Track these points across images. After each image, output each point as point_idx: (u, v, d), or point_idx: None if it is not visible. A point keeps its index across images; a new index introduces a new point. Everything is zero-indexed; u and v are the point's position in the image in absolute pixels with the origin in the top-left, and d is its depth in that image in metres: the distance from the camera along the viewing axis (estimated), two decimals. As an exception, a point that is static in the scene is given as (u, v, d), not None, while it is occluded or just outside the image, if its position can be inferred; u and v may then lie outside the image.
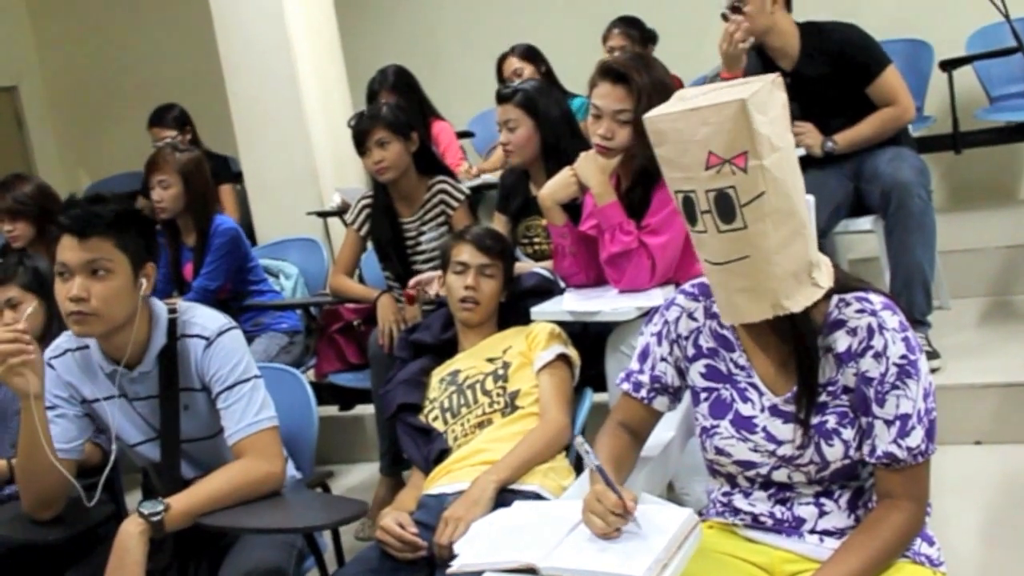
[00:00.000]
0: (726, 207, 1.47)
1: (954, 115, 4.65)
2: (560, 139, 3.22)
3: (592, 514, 1.63)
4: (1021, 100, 4.95)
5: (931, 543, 1.67)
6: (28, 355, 2.02)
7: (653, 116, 1.51)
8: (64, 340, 2.29)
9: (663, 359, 1.83)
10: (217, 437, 2.26)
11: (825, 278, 1.58)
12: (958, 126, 4.67)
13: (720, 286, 1.57)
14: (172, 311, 2.26)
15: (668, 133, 1.49)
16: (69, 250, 2.08)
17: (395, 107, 3.58)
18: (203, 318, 2.26)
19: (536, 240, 3.37)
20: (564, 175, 2.81)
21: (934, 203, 3.50)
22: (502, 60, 4.90)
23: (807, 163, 3.51)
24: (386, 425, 3.18)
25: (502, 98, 3.27)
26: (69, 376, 2.26)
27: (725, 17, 3.52)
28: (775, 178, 1.46)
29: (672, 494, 2.54)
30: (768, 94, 1.47)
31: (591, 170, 2.73)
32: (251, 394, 2.21)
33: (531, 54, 4.86)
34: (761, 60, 3.64)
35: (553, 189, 2.82)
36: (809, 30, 3.57)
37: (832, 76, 3.49)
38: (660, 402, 1.86)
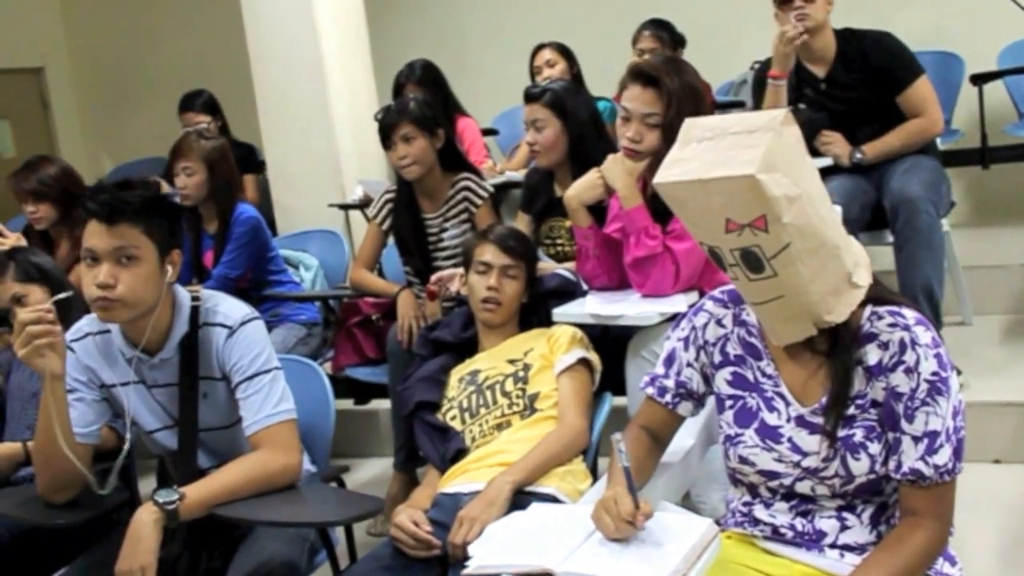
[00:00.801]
0: (753, 262, 1.48)
1: (983, 130, 4.61)
2: (587, 140, 3.20)
3: (605, 514, 1.63)
4: (1051, 117, 4.91)
5: (953, 563, 1.66)
6: (54, 336, 2.02)
7: (666, 183, 1.50)
8: (86, 323, 2.28)
9: (689, 365, 1.82)
10: (235, 427, 2.25)
11: (864, 274, 1.58)
12: (986, 141, 4.63)
13: (761, 316, 1.60)
14: (195, 299, 2.26)
15: (683, 199, 1.49)
16: (96, 236, 2.07)
17: (422, 102, 3.55)
18: (227, 307, 2.26)
19: (559, 241, 3.35)
20: (591, 177, 2.80)
21: (958, 218, 3.49)
22: (536, 52, 4.88)
23: (835, 170, 3.51)
24: (402, 421, 3.17)
25: (530, 97, 3.25)
26: (89, 360, 2.25)
27: None
28: (798, 227, 1.46)
29: (687, 502, 2.52)
30: (777, 143, 1.44)
31: (618, 172, 2.71)
32: (271, 385, 2.20)
33: (565, 51, 4.84)
34: (795, 68, 3.65)
35: (579, 190, 2.80)
36: (845, 36, 3.59)
37: (865, 82, 3.51)
38: (684, 407, 1.85)
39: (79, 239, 2.14)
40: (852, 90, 3.52)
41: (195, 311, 2.24)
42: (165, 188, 3.76)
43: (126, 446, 2.22)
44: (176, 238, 2.18)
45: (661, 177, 1.50)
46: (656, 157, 2.67)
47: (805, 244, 1.46)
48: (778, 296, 1.51)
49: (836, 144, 3.52)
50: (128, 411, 2.23)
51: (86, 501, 2.22)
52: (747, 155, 1.42)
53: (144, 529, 1.99)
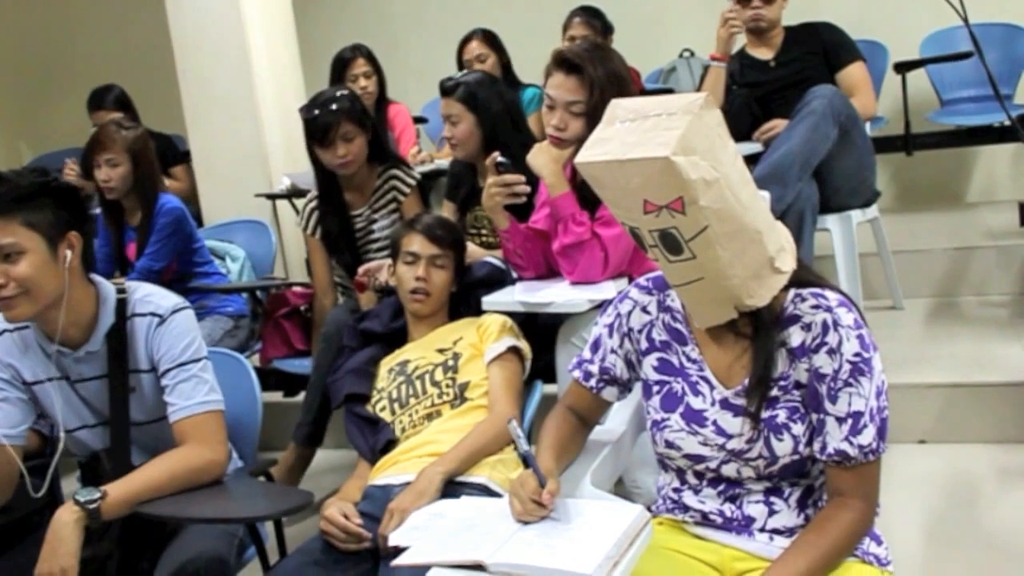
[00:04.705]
0: (672, 243, 1.48)
1: (906, 117, 4.71)
2: (501, 133, 3.17)
3: (515, 497, 1.65)
4: (972, 104, 5.03)
5: (879, 542, 1.67)
6: None
7: (585, 162, 1.50)
8: (1, 320, 2.21)
9: (613, 351, 1.83)
10: (163, 422, 2.20)
11: (789, 259, 1.58)
12: (910, 128, 4.73)
13: (683, 298, 1.60)
14: (121, 291, 2.21)
15: (602, 179, 1.49)
16: None
17: (351, 96, 3.40)
18: (156, 297, 2.22)
19: (484, 232, 3.33)
20: (489, 190, 2.73)
21: (884, 204, 3.58)
22: (463, 44, 4.84)
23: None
24: (315, 399, 3.14)
25: (444, 91, 3.23)
26: (9, 357, 2.19)
27: None
28: (716, 210, 1.45)
29: (621, 488, 2.52)
30: (696, 127, 1.43)
31: (544, 161, 2.69)
32: (201, 374, 2.18)
33: (492, 40, 4.80)
34: (739, 54, 3.93)
35: (490, 199, 2.76)
36: (795, 26, 3.94)
37: (812, 56, 3.81)
38: (609, 392, 1.87)
39: None
40: (800, 63, 3.79)
41: (121, 303, 2.19)
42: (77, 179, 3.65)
43: (60, 445, 2.17)
44: (70, 221, 2.10)
45: (582, 157, 1.50)
46: (581, 144, 2.65)
47: (723, 228, 1.46)
48: (698, 278, 1.51)
49: (777, 127, 3.58)
50: (56, 408, 2.17)
51: (3, 504, 2.16)
52: (664, 137, 1.42)
53: (65, 530, 1.94)
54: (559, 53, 2.68)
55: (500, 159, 2.71)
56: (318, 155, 3.33)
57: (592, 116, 2.54)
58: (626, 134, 1.47)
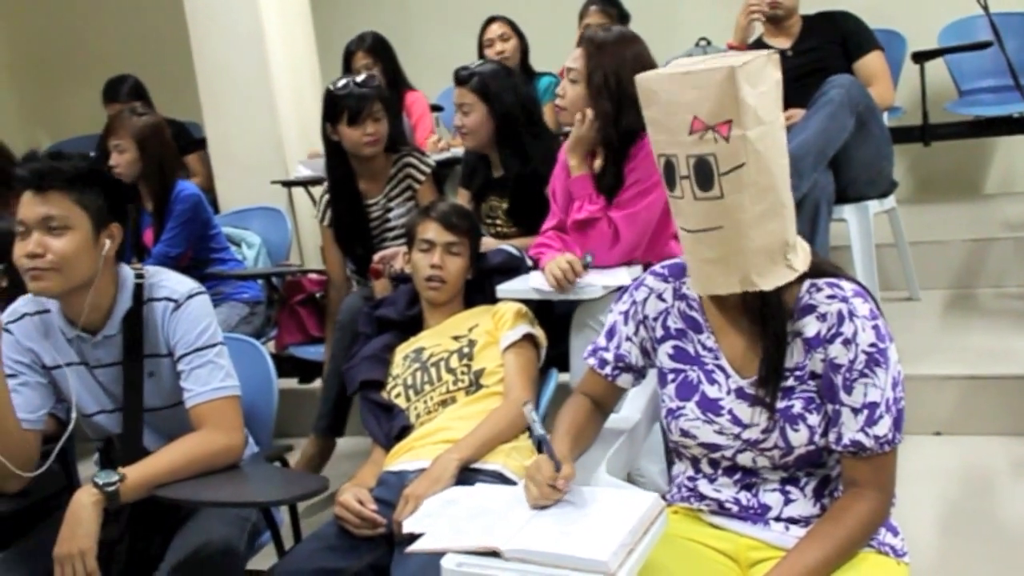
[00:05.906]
0: (705, 174, 1.47)
1: (924, 107, 4.67)
2: (512, 125, 3.18)
3: (530, 481, 1.65)
4: (990, 95, 4.99)
5: (895, 533, 1.67)
6: None
7: (646, 76, 1.52)
8: (22, 304, 2.22)
9: (628, 339, 1.83)
10: (180, 407, 2.20)
11: (801, 262, 1.57)
12: (928, 119, 4.69)
13: (692, 254, 1.57)
14: (139, 276, 2.22)
15: (658, 94, 1.49)
16: (26, 206, 2.04)
17: (379, 81, 3.47)
18: (172, 282, 2.23)
19: (498, 222, 3.32)
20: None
21: (901, 195, 3.59)
22: (485, 26, 4.84)
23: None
24: (332, 389, 3.14)
25: (459, 80, 3.24)
26: (29, 341, 2.20)
27: None
28: (757, 151, 1.45)
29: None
30: (761, 67, 1.47)
31: (574, 145, 2.78)
32: (217, 359, 2.18)
33: (514, 25, 4.80)
34: (757, 45, 3.95)
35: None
36: (813, 15, 3.96)
37: (830, 45, 3.82)
38: (624, 379, 1.87)
39: (13, 216, 2.09)
40: (817, 52, 3.79)
41: (139, 287, 2.20)
42: None
43: (70, 426, 2.17)
44: (115, 212, 2.13)
45: (644, 74, 1.53)
46: (578, 110, 2.74)
47: (758, 176, 1.46)
48: (718, 226, 1.49)
49: (794, 117, 3.58)
50: (72, 392, 2.18)
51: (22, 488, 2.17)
52: (734, 59, 1.45)
53: (84, 512, 1.95)
54: (587, 30, 2.82)
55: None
56: (342, 135, 3.32)
57: (587, 85, 2.69)
58: (693, 64, 1.49)
